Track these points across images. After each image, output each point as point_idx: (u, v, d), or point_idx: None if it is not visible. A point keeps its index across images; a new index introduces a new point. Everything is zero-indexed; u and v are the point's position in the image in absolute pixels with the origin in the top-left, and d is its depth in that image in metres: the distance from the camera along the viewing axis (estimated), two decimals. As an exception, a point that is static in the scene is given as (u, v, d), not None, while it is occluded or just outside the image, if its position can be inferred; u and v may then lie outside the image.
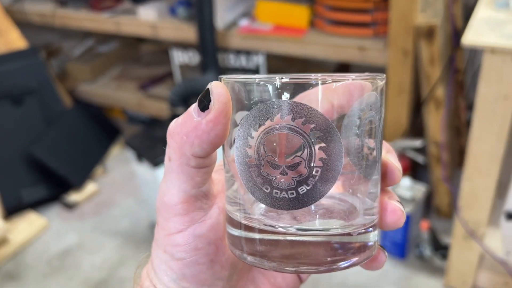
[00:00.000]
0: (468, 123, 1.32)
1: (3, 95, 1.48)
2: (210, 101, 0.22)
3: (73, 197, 1.51)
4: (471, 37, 0.80)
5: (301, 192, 0.23)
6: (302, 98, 0.22)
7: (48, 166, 1.47)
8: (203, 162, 0.23)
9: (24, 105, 1.51)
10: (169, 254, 0.25)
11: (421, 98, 1.13)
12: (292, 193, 0.23)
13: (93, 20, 1.55)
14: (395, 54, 1.08)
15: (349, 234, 0.24)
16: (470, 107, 1.29)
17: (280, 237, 0.24)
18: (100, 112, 1.83)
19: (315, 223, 0.24)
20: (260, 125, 0.23)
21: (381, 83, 0.24)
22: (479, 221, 0.97)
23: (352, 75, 0.23)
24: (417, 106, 1.19)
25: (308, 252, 0.24)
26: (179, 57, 1.47)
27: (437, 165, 1.17)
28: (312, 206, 0.24)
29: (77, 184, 1.52)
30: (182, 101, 1.21)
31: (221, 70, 1.35)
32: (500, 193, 1.01)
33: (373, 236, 0.25)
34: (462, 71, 1.27)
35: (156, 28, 1.41)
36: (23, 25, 1.71)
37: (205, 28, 1.24)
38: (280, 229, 0.24)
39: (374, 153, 0.24)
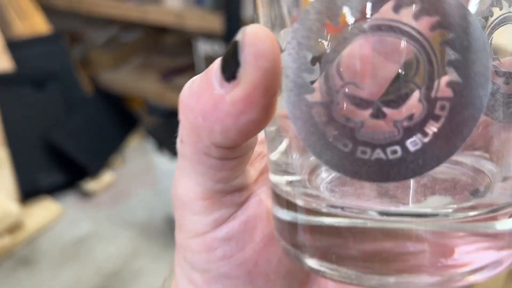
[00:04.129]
0: None
1: (26, 79, 1.47)
2: (238, 65, 0.13)
3: (90, 185, 1.50)
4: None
5: (413, 149, 0.13)
6: None
7: (66, 152, 1.46)
8: (231, 152, 0.16)
9: (46, 90, 1.50)
10: (189, 264, 0.18)
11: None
12: (395, 151, 0.13)
13: (119, 8, 1.53)
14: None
15: (480, 220, 0.14)
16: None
17: (365, 225, 0.14)
18: (120, 101, 1.81)
19: (423, 204, 0.15)
20: (329, 28, 0.13)
21: None
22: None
23: None
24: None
25: (414, 252, 0.14)
26: (204, 48, 1.44)
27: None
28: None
29: (93, 171, 1.51)
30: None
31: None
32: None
33: None
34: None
35: (182, 17, 1.38)
36: (49, 10, 1.70)
37: (233, 19, 1.21)
38: (363, 215, 0.14)
39: None
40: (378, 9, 0.13)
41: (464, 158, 0.15)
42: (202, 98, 0.15)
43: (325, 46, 0.13)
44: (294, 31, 0.14)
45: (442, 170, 0.15)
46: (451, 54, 0.13)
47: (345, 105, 0.13)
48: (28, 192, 1.43)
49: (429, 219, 0.14)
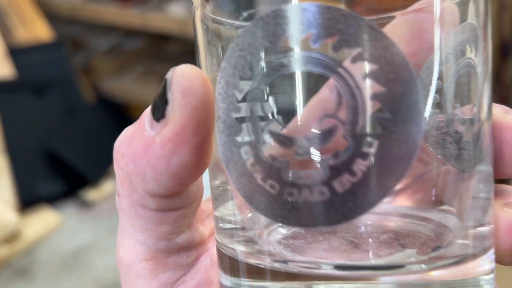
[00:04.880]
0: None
1: (27, 86, 1.47)
2: (166, 103, 0.13)
3: (90, 194, 1.48)
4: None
5: (340, 190, 0.12)
6: None
7: (66, 161, 1.45)
8: (169, 202, 0.15)
9: (46, 98, 1.50)
10: None
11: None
12: (322, 192, 0.12)
13: (122, 15, 1.53)
14: (439, 62, 1.01)
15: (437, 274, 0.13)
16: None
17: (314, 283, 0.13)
18: (122, 109, 1.80)
19: (376, 258, 0.14)
20: (253, 65, 0.12)
21: None
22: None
23: None
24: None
25: None
26: (207, 56, 1.43)
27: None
28: (366, 227, 0.14)
29: (93, 180, 1.49)
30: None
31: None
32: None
33: (488, 279, 0.14)
34: (507, 85, 1.20)
35: (185, 25, 1.37)
36: (52, 17, 1.69)
37: (237, 27, 1.20)
38: (312, 270, 0.13)
39: (476, 126, 0.14)
40: (297, 43, 0.12)
41: (430, 214, 0.15)
42: (133, 141, 0.14)
43: (250, 84, 0.13)
44: (222, 70, 0.13)
45: (406, 226, 0.15)
46: (375, 87, 0.12)
47: (270, 144, 0.13)
48: (27, 200, 1.41)
49: (388, 272, 0.13)
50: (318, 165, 0.12)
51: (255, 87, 0.13)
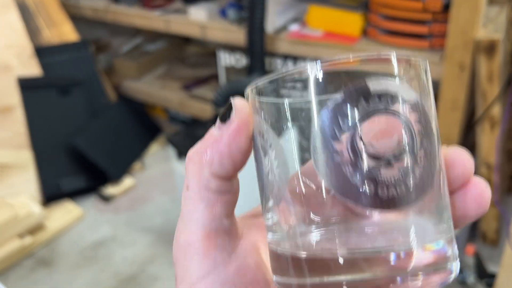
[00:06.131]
0: (521, 147, 1.25)
1: (52, 85, 1.51)
2: (232, 112, 0.22)
3: (110, 190, 1.52)
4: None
5: (410, 184, 0.20)
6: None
7: (88, 158, 1.49)
8: (224, 185, 0.22)
9: (71, 96, 1.54)
10: None
11: (475, 116, 1.08)
12: (401, 187, 0.20)
13: (144, 18, 1.57)
14: (451, 68, 1.03)
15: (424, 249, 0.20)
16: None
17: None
18: (142, 109, 1.84)
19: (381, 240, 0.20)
20: (354, 112, 0.20)
21: (420, 67, 0.21)
22: (532, 250, 0.91)
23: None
24: (469, 124, 1.14)
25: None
26: (226, 59, 1.46)
27: (487, 187, 1.11)
28: (374, 227, 0.21)
29: (114, 177, 1.53)
30: (227, 101, 1.20)
31: (267, 74, 1.34)
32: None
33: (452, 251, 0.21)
34: (520, 92, 1.21)
35: (206, 28, 1.41)
36: (77, 19, 1.75)
37: (255, 31, 1.23)
38: (332, 252, 0.20)
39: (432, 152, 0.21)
40: (381, 101, 0.20)
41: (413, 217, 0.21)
42: (205, 142, 0.22)
43: (351, 124, 0.20)
44: (323, 115, 0.21)
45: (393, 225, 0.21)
46: (419, 126, 0.20)
47: (368, 160, 0.20)
48: (51, 195, 1.46)
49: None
50: (398, 172, 0.20)
51: (357, 125, 0.20)
